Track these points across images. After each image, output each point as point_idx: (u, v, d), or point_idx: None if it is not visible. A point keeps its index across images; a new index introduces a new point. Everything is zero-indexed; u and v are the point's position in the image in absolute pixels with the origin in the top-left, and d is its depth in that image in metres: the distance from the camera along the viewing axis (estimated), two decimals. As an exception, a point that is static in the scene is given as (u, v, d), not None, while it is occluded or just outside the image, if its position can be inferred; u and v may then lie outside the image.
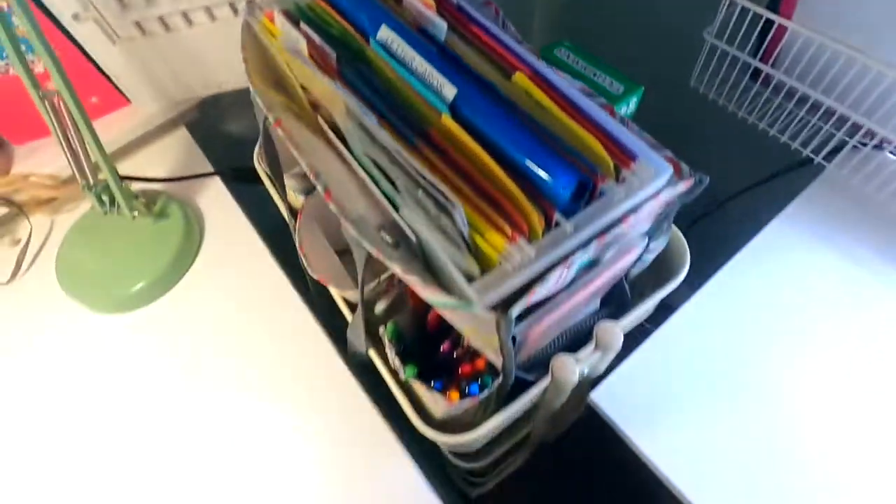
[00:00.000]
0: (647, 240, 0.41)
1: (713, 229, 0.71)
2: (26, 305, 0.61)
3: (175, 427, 0.53)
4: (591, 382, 0.56)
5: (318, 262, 0.52)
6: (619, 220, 0.34)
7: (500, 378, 0.41)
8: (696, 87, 0.65)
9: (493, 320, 0.30)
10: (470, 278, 0.32)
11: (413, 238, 0.35)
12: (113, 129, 0.66)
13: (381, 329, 0.44)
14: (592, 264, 0.41)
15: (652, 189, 0.34)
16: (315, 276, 0.49)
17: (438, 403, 0.42)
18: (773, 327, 0.56)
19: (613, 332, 0.47)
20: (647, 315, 0.56)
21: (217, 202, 0.67)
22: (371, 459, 0.50)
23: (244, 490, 0.50)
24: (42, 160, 0.65)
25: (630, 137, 0.35)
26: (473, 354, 0.43)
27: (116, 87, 0.65)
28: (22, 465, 0.52)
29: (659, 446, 0.50)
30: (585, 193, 0.34)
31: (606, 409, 0.53)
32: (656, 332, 0.56)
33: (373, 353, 0.49)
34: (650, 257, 0.50)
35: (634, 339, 0.54)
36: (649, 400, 0.53)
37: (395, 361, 0.42)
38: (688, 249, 0.51)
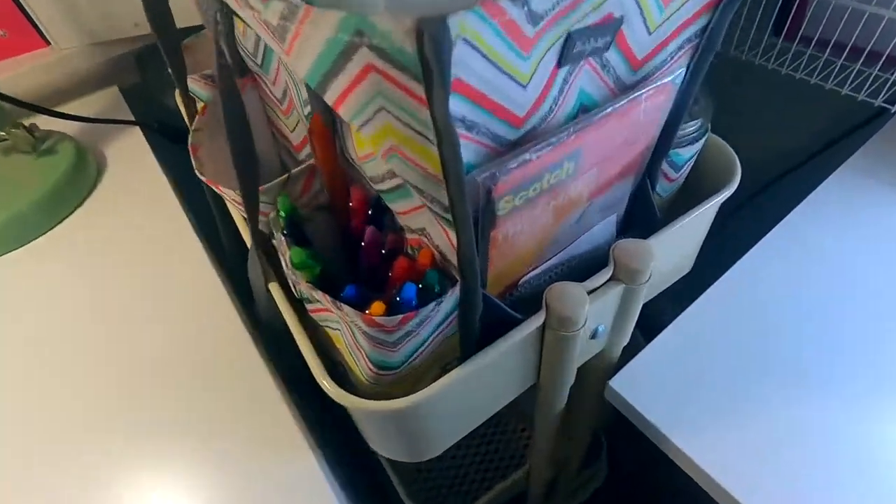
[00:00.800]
0: (676, 83, 0.27)
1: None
2: None
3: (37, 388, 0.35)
4: (608, 372, 0.38)
5: (214, 168, 0.37)
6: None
7: (459, 281, 0.24)
8: (737, 56, 0.54)
9: (412, 34, 0.15)
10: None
11: None
12: (25, 70, 0.56)
13: (272, 213, 0.28)
14: (594, 105, 0.26)
15: None
16: (203, 179, 0.34)
17: (356, 329, 0.25)
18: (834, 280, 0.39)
19: (639, 248, 0.31)
20: (689, 251, 0.40)
21: (131, 151, 0.54)
22: (277, 461, 0.32)
23: (126, 463, 0.31)
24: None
25: None
26: (418, 252, 0.26)
27: (32, 21, 0.55)
28: None
29: (688, 434, 0.32)
30: None
31: (627, 395, 0.35)
32: (683, 312, 0.40)
33: (274, 288, 0.32)
34: (684, 161, 0.35)
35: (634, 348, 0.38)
36: (674, 386, 0.35)
37: (283, 249, 0.26)
38: (737, 158, 0.36)
